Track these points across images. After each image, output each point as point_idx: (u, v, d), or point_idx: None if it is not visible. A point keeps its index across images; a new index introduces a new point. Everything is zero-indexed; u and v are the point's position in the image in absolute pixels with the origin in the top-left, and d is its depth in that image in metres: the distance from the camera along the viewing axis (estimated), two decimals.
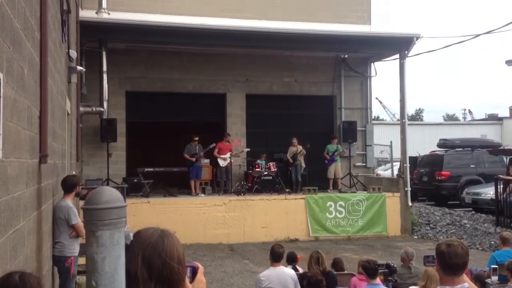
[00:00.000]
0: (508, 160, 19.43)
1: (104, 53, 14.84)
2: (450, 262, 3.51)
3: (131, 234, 1.90)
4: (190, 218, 13.89)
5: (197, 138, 15.52)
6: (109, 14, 14.85)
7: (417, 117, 77.41)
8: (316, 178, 16.69)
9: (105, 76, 14.88)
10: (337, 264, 7.82)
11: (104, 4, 14.94)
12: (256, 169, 15.82)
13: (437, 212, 17.63)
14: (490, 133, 35.28)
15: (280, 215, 14.63)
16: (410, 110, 68.58)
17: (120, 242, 1.82)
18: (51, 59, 5.86)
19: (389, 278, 6.59)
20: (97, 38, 14.58)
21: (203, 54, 16.75)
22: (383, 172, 24.66)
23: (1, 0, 3.17)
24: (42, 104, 4.94)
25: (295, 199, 15.00)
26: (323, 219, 14.91)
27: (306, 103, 18.29)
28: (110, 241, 1.79)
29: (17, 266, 3.72)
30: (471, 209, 18.61)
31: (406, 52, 15.95)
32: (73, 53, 9.30)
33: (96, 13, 14.81)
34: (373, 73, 18.85)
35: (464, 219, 16.38)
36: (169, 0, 16.57)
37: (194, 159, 15.22)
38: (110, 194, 1.85)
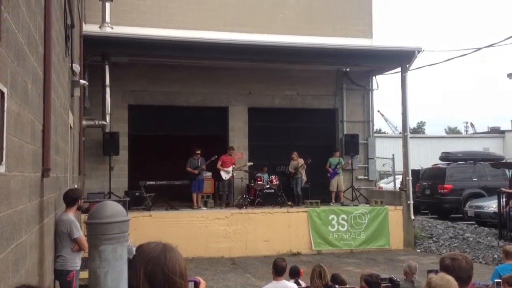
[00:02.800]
0: (510, 173, 19.39)
1: (107, 67, 14.93)
2: (455, 276, 3.50)
3: (134, 249, 1.90)
4: (192, 231, 13.85)
5: (199, 152, 15.53)
6: (112, 28, 14.95)
7: (419, 130, 77.42)
8: (318, 191, 16.65)
9: (108, 90, 14.95)
10: (336, 279, 7.76)
11: (107, 19, 15.05)
12: (258, 182, 15.81)
13: (440, 225, 17.57)
14: (492, 146, 35.25)
15: (282, 229, 14.57)
16: (412, 123, 68.61)
17: (123, 257, 1.82)
18: (55, 73, 5.89)
19: None
20: (100, 52, 14.68)
21: (206, 67, 16.82)
22: (386, 185, 24.59)
23: (6, 15, 3.20)
24: (45, 118, 4.96)
25: (297, 212, 14.95)
26: (326, 233, 14.85)
27: (308, 116, 18.31)
28: (113, 256, 1.79)
29: (19, 280, 3.71)
30: (474, 222, 18.53)
31: (407, 65, 15.99)
32: (76, 67, 9.34)
33: (100, 27, 14.92)
34: (374, 86, 18.91)
35: (467, 233, 16.31)
36: (171, 14, 16.69)
37: (196, 172, 15.23)
38: (113, 209, 1.85)
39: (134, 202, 14.37)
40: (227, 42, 14.99)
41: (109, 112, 15.04)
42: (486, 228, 16.96)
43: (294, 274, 7.56)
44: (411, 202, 15.65)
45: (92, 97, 14.94)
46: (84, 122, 13.31)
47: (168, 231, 13.14)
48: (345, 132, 18.22)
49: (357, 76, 18.32)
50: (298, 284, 7.20)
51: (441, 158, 23.30)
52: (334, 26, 17.85)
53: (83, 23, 13.50)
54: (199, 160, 15.42)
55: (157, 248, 1.92)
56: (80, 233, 6.55)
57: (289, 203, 15.70)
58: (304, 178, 16.40)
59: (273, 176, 16.20)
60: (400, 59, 16.12)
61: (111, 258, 1.79)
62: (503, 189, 16.09)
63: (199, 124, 17.54)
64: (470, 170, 21.32)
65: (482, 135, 42.97)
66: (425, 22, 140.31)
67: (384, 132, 54.56)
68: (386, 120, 56.22)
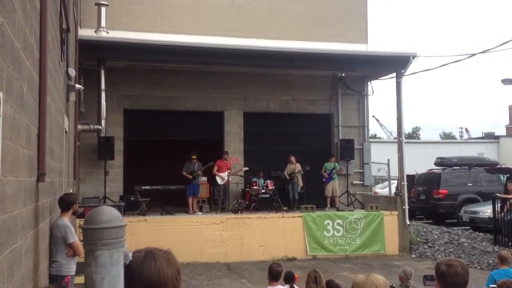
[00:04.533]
0: (505, 178, 19.45)
1: (102, 71, 14.91)
2: (451, 282, 3.52)
3: (130, 254, 1.89)
4: (187, 236, 13.82)
5: (195, 156, 15.51)
6: (108, 32, 14.94)
7: (414, 135, 77.67)
8: (314, 196, 16.66)
9: (103, 94, 14.92)
10: (331, 284, 7.73)
11: (103, 23, 15.04)
12: (254, 187, 15.81)
13: (435, 230, 17.58)
14: (487, 152, 35.43)
15: (278, 234, 14.56)
16: (407, 128, 68.84)
17: (119, 262, 1.81)
18: (50, 77, 5.88)
19: None
20: (96, 56, 14.65)
21: (201, 72, 16.84)
22: (381, 190, 24.63)
23: (2, 20, 3.19)
24: (40, 123, 4.94)
25: (293, 217, 14.94)
26: (321, 238, 14.85)
27: (303, 121, 18.34)
28: (109, 261, 1.78)
29: (14, 285, 3.70)
30: (469, 227, 18.57)
31: (402, 71, 16.04)
32: (72, 72, 9.33)
33: (95, 31, 14.91)
34: (370, 91, 18.95)
35: (462, 238, 16.34)
36: (167, 19, 16.70)
37: (191, 177, 15.21)
38: (110, 214, 1.84)
39: (129, 207, 14.32)
40: (222, 47, 15.00)
41: (104, 116, 15.01)
42: (481, 233, 16.99)
43: (289, 279, 7.54)
44: (406, 207, 15.68)
45: (87, 101, 14.93)
46: (79, 127, 13.27)
47: (163, 236, 13.12)
48: (340, 137, 18.25)
49: (352, 81, 18.38)
50: None
51: (436, 163, 23.34)
52: (329, 31, 17.91)
53: (79, 27, 13.47)
54: (196, 164, 15.41)
55: (138, 259, 1.89)
56: (75, 238, 6.52)
57: (285, 208, 15.69)
58: (301, 183, 16.40)
59: (268, 181, 16.20)
60: (395, 64, 16.17)
61: (107, 264, 1.78)
62: (498, 194, 16.14)
63: (194, 129, 17.54)
64: (465, 176, 21.37)
65: (476, 141, 43.18)
66: (420, 28, 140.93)
67: (379, 137, 54.72)
68: (381, 125, 56.42)
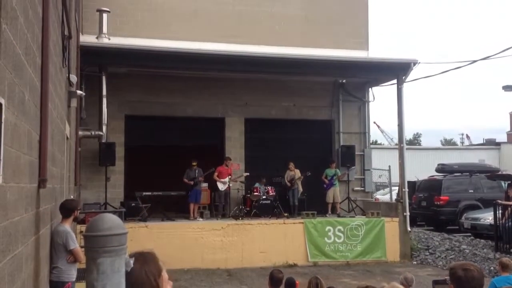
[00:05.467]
0: (506, 185, 19.43)
1: (104, 78, 14.92)
2: (468, 286, 3.54)
3: (131, 261, 1.88)
4: (188, 242, 13.80)
5: (195, 163, 15.51)
6: (109, 39, 14.98)
7: (415, 141, 77.65)
8: (315, 203, 16.64)
9: (104, 100, 14.92)
10: None
11: (104, 29, 15.08)
12: (255, 193, 15.79)
13: (436, 237, 17.55)
14: (488, 158, 35.40)
15: (279, 240, 14.53)
16: (408, 135, 68.79)
17: (120, 270, 1.81)
18: (52, 84, 5.88)
19: None
20: (97, 62, 14.66)
21: (202, 78, 16.85)
22: (382, 196, 24.60)
23: (4, 26, 3.20)
24: (42, 129, 4.94)
25: (294, 223, 14.92)
26: (322, 244, 14.81)
27: (304, 127, 18.34)
28: (110, 269, 1.78)
29: None
30: (470, 234, 18.53)
31: (403, 77, 16.05)
32: (73, 78, 9.34)
33: (97, 38, 14.95)
34: (371, 98, 18.96)
35: (463, 245, 16.30)
36: (168, 25, 16.74)
37: (192, 183, 15.20)
38: (112, 221, 1.84)
39: (130, 212, 14.32)
40: (223, 53, 15.03)
41: (106, 122, 15.01)
42: (482, 240, 16.95)
43: (290, 286, 7.51)
44: (408, 213, 15.64)
45: (88, 107, 14.93)
46: (80, 133, 13.28)
47: (164, 242, 13.10)
48: (341, 143, 18.24)
49: (353, 87, 18.39)
50: None
51: (437, 170, 23.32)
52: (330, 38, 17.94)
53: (80, 33, 13.51)
54: (196, 171, 15.40)
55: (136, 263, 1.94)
56: (75, 244, 6.51)
57: (285, 214, 15.67)
58: (301, 189, 16.39)
59: (269, 187, 16.18)
60: (396, 71, 16.18)
61: (109, 271, 1.78)
62: (499, 201, 16.11)
63: (195, 135, 17.55)
64: (466, 182, 21.35)
65: (478, 147, 43.15)
66: (421, 33, 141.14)
67: (380, 144, 54.68)
68: (382, 131, 56.37)
